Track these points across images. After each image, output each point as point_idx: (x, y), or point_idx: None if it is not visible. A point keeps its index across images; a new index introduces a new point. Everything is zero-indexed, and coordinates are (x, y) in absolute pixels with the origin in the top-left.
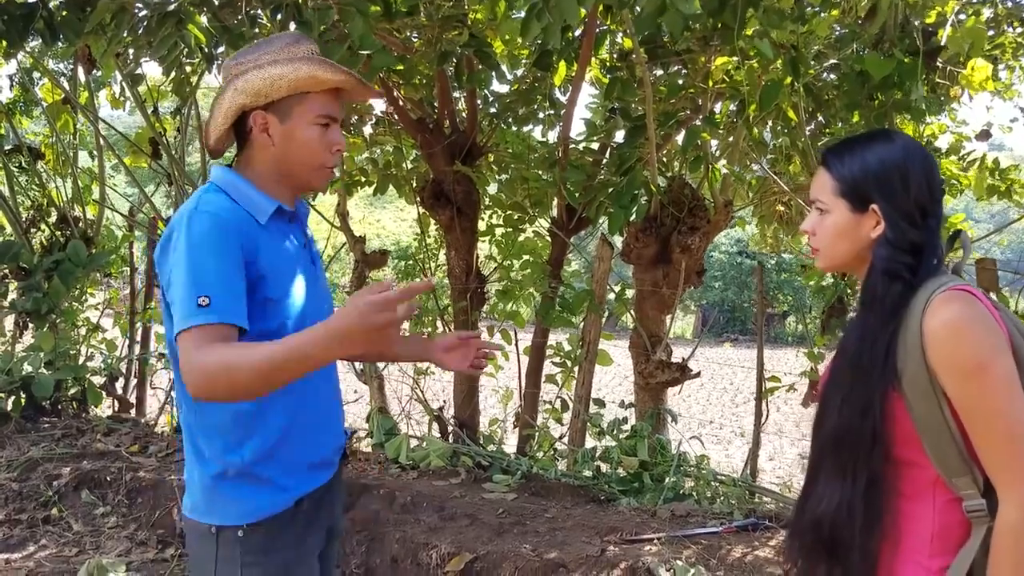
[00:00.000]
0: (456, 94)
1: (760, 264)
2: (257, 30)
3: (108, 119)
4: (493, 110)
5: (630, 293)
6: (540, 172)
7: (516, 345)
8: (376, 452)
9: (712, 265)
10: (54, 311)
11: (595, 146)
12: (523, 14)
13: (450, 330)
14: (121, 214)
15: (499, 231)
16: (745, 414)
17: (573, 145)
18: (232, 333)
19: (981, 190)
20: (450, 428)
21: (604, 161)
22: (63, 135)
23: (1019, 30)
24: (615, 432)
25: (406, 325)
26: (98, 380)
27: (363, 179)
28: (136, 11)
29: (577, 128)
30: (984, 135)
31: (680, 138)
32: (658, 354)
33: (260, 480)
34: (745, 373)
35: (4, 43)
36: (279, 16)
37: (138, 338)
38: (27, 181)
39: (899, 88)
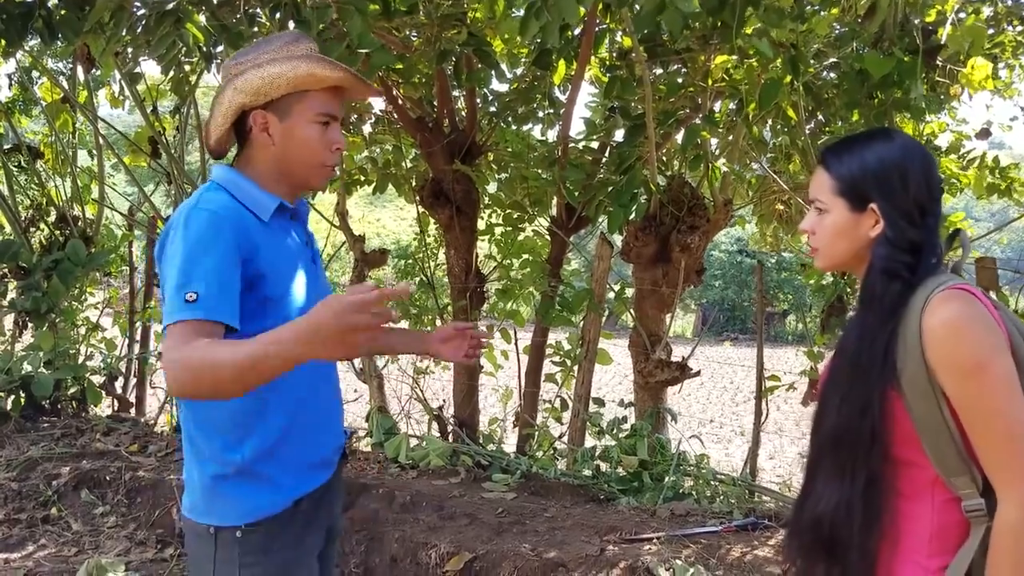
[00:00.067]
0: (455, 93)
1: (760, 263)
2: (256, 29)
3: (107, 118)
4: (492, 109)
5: (630, 292)
6: (539, 171)
7: (516, 344)
8: (375, 451)
9: (712, 264)
10: (53, 310)
11: (595, 145)
12: (522, 13)
13: None
14: (121, 213)
15: (498, 230)
16: (745, 413)
17: (572, 144)
18: (217, 330)
19: (981, 189)
20: (449, 427)
21: (604, 160)
22: (62, 134)
23: (1019, 28)
24: (615, 431)
25: (404, 324)
26: (98, 379)
27: (362, 178)
28: (135, 10)
29: (576, 127)
30: (984, 133)
31: (680, 137)
32: (658, 353)
33: (260, 478)
34: (745, 372)
35: (3, 42)
36: (278, 15)
37: (138, 337)
38: (26, 180)
39: (899, 87)
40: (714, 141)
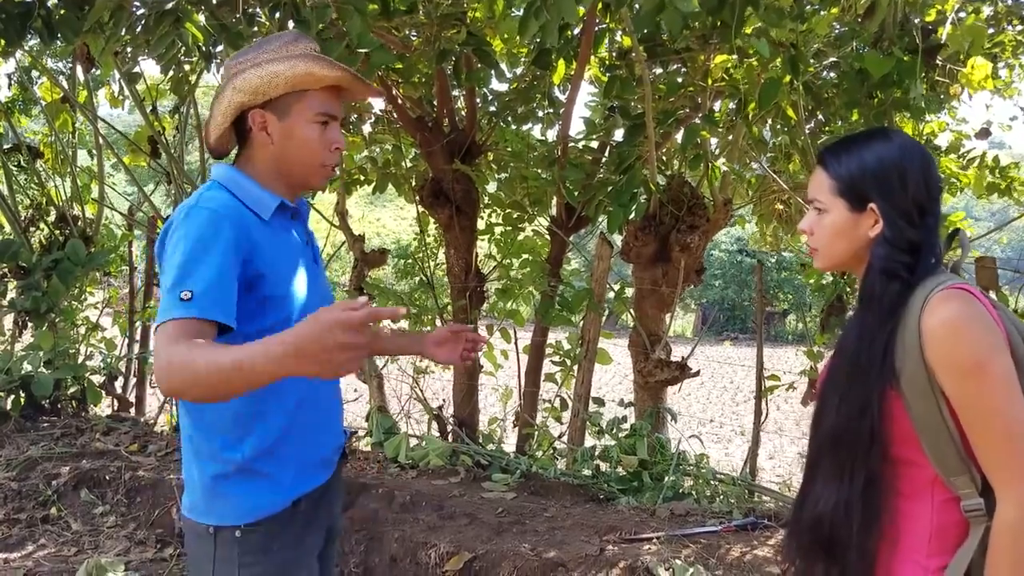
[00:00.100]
0: (455, 92)
1: (760, 262)
2: (255, 28)
3: (107, 118)
4: (492, 108)
5: (629, 292)
6: (539, 171)
7: (515, 344)
8: (375, 451)
9: (712, 263)
10: (53, 310)
11: (594, 144)
12: (521, 12)
13: None
14: (120, 213)
15: (498, 230)
16: (745, 413)
17: (572, 143)
18: (210, 330)
19: (981, 188)
20: (449, 427)
21: (603, 159)
22: (62, 134)
23: (1019, 28)
24: (614, 431)
25: (404, 323)
26: (97, 379)
27: (362, 178)
28: (134, 9)
29: (576, 126)
30: (984, 133)
31: (679, 136)
32: (657, 353)
33: (259, 477)
34: (745, 371)
35: (2, 41)
36: (277, 14)
37: (137, 337)
38: (26, 180)
39: (898, 86)
40: (714, 141)
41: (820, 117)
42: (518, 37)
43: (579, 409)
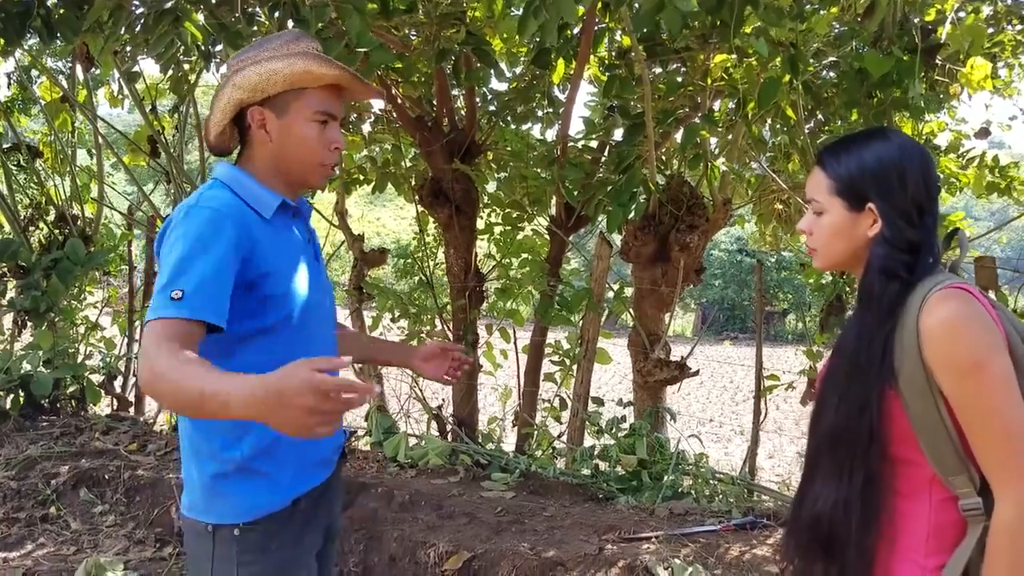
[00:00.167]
0: (455, 92)
1: (759, 262)
2: (255, 28)
3: (106, 117)
4: (492, 108)
5: (629, 291)
6: (539, 170)
7: (515, 343)
8: (375, 450)
9: (712, 263)
10: (53, 309)
11: (594, 144)
12: (521, 12)
13: (448, 328)
14: (120, 212)
15: (498, 229)
16: (744, 412)
17: (572, 143)
18: (198, 330)
19: (980, 188)
20: (449, 426)
21: (603, 159)
22: (61, 133)
23: (1018, 27)
24: (614, 430)
25: (404, 323)
26: (97, 378)
27: (362, 177)
28: (133, 8)
29: (576, 126)
30: (983, 133)
31: (679, 136)
32: (657, 352)
33: (258, 475)
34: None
35: (2, 41)
36: (277, 14)
37: (137, 336)
38: (26, 179)
39: (898, 86)
40: (713, 140)
41: (819, 117)
42: (517, 36)
43: (578, 409)
